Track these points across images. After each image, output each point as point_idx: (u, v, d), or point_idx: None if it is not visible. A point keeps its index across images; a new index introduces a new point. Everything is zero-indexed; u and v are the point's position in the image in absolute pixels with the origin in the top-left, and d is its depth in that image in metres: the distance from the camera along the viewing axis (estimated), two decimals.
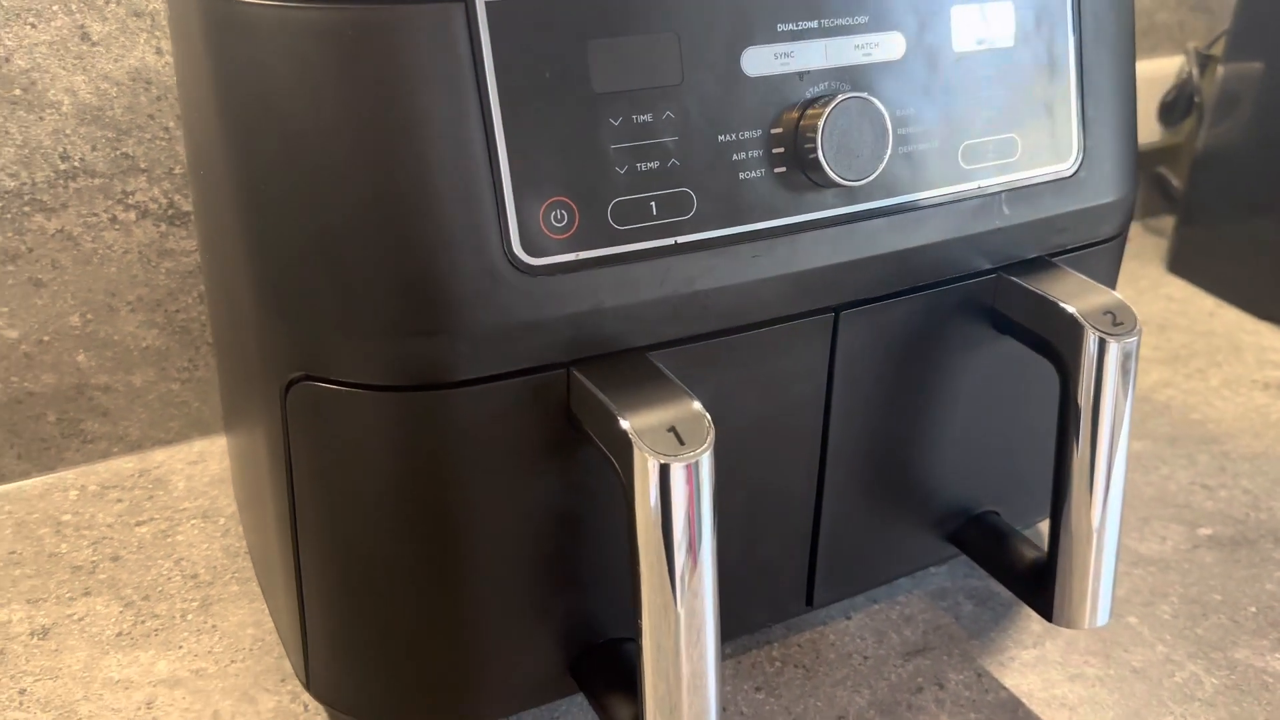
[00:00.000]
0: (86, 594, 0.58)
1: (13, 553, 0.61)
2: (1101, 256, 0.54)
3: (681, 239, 0.41)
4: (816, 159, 0.42)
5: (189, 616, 0.57)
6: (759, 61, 0.42)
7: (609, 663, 0.47)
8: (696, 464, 0.38)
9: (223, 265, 0.45)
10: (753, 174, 0.42)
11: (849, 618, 0.58)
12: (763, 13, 0.41)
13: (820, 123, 0.42)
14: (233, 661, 0.54)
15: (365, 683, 0.46)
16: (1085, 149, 0.50)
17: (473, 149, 0.37)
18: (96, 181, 0.62)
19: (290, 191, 0.38)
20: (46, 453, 0.67)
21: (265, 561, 0.52)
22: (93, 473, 0.68)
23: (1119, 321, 0.47)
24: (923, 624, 0.58)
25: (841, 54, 0.43)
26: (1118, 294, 0.48)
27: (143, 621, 0.57)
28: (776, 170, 0.42)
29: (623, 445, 0.38)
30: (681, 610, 0.39)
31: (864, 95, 0.42)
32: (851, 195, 0.44)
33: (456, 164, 0.37)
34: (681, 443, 0.38)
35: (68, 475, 0.68)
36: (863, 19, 0.43)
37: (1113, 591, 0.50)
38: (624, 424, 0.38)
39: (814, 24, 0.42)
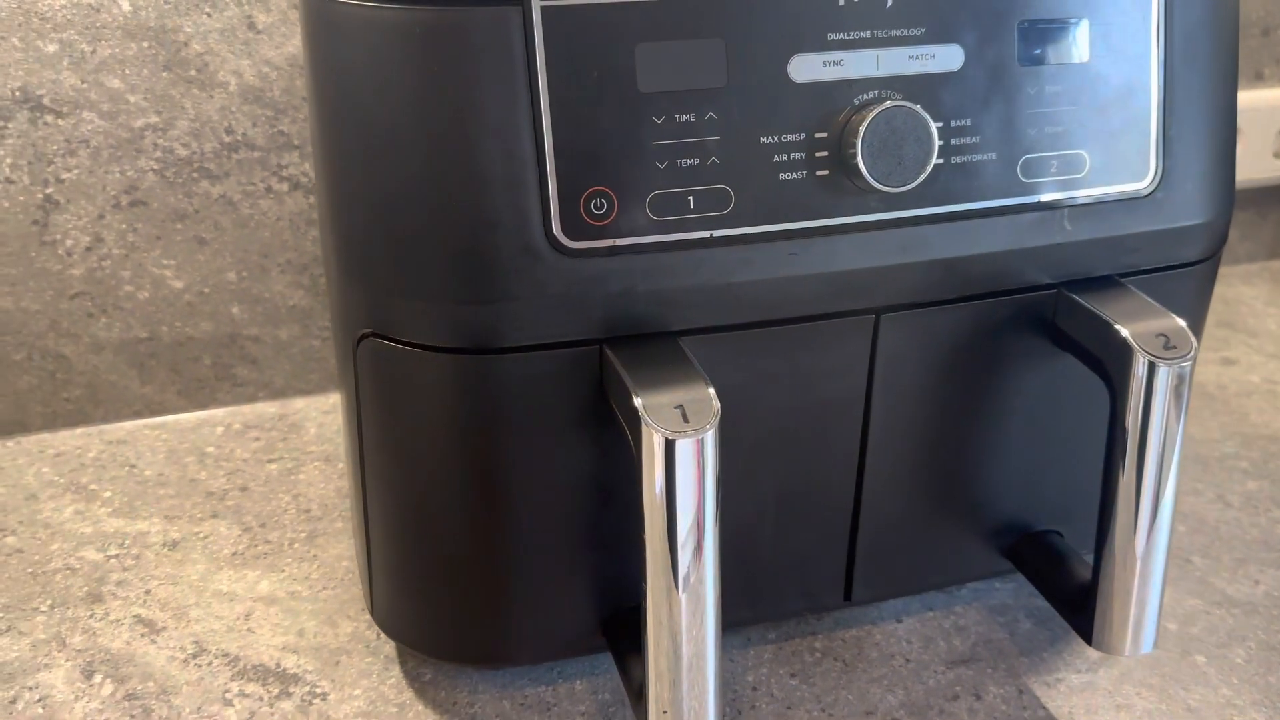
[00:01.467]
0: (214, 516, 0.66)
1: (161, 475, 0.70)
2: (1184, 281, 0.52)
3: (718, 233, 0.44)
4: (856, 165, 0.43)
5: (295, 545, 0.64)
6: (806, 68, 0.43)
7: (636, 626, 0.50)
8: (701, 441, 0.40)
9: (321, 233, 0.51)
10: (794, 175, 0.44)
11: (900, 620, 0.59)
12: (813, 22, 0.43)
13: (861, 129, 0.43)
14: (325, 589, 0.61)
15: (416, 616, 0.51)
16: (1164, 169, 0.49)
17: (521, 139, 0.41)
18: (255, 154, 0.70)
19: (363, 168, 0.43)
20: (201, 391, 0.76)
21: (351, 502, 0.58)
22: (239, 413, 0.76)
23: (1172, 345, 0.46)
24: (975, 635, 0.58)
25: (895, 64, 0.44)
26: (1178, 319, 0.47)
27: (255, 545, 0.64)
28: (819, 173, 0.44)
29: (634, 420, 0.41)
30: (682, 584, 0.42)
31: (907, 104, 0.43)
32: (897, 201, 0.45)
33: (505, 152, 0.41)
34: (686, 421, 0.40)
35: (217, 413, 0.76)
36: (919, 31, 0.44)
37: (1157, 620, 0.49)
38: (636, 400, 0.41)
39: (866, 34, 0.44)
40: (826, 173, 0.44)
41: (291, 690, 0.54)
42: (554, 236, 0.42)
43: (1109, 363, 0.47)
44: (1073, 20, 0.46)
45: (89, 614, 0.59)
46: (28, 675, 0.55)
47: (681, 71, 0.42)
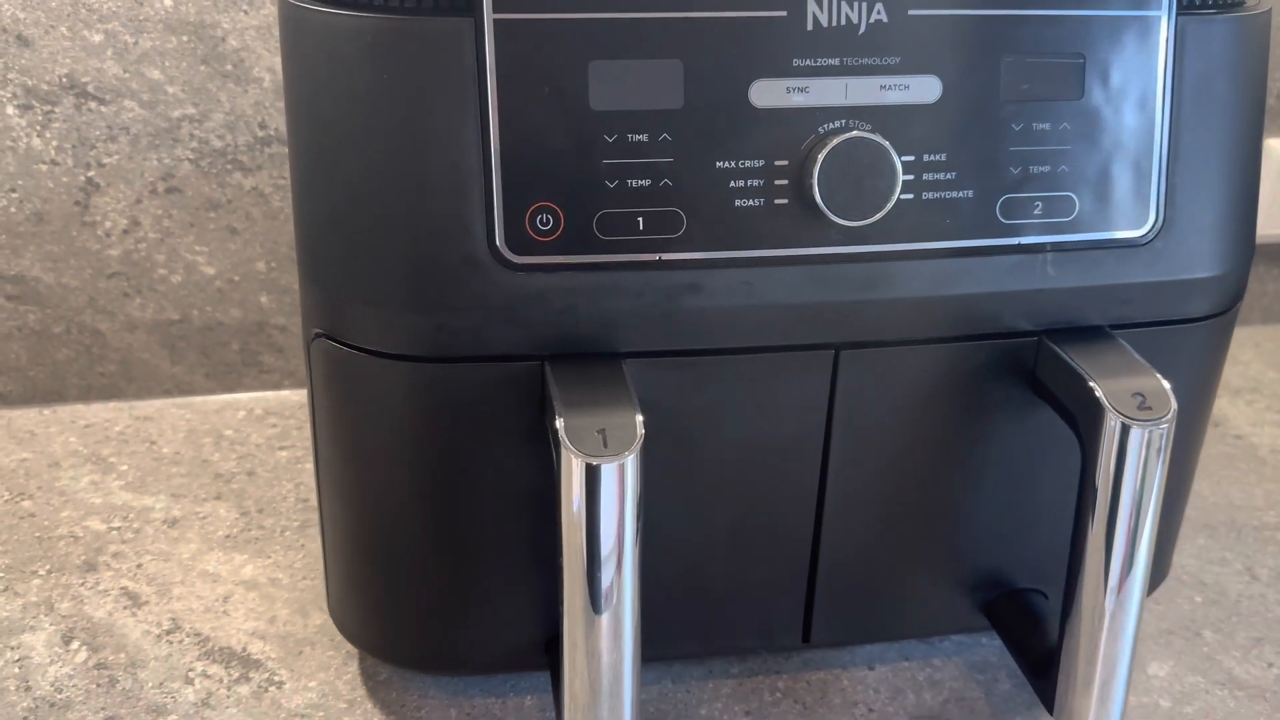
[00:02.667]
0: (217, 498, 0.68)
1: (176, 453, 0.72)
2: (1191, 337, 0.49)
3: (667, 256, 0.43)
4: (813, 196, 0.42)
5: (287, 533, 0.65)
6: (769, 94, 0.42)
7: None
8: (621, 467, 0.40)
9: None
10: (750, 202, 0.43)
11: (871, 668, 0.57)
12: (777, 47, 0.42)
13: (819, 159, 0.42)
14: (305, 578, 0.62)
15: (366, 617, 0.51)
16: (1166, 217, 0.46)
17: (468, 150, 0.41)
18: (286, 149, 0.71)
19: (321, 170, 0.43)
20: (229, 375, 0.78)
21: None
22: (262, 399, 0.79)
23: (1148, 405, 0.43)
24: (948, 691, 0.55)
25: (865, 93, 0.43)
26: (1162, 379, 0.44)
27: (249, 530, 0.66)
28: (778, 201, 0.43)
29: (556, 441, 0.40)
30: (599, 608, 0.41)
31: (869, 134, 0.42)
32: (860, 235, 0.44)
33: (452, 162, 0.41)
34: (606, 446, 0.40)
35: (241, 398, 0.78)
36: (893, 60, 0.43)
37: (1125, 693, 0.46)
38: (558, 421, 0.40)
39: (835, 61, 0.42)
40: (786, 201, 0.43)
41: (251, 676, 0.55)
42: (498, 249, 0.42)
43: (1080, 419, 0.44)
44: (1066, 56, 0.44)
45: (81, 581, 0.61)
46: (13, 635, 0.57)
47: (636, 91, 0.41)
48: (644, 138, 0.42)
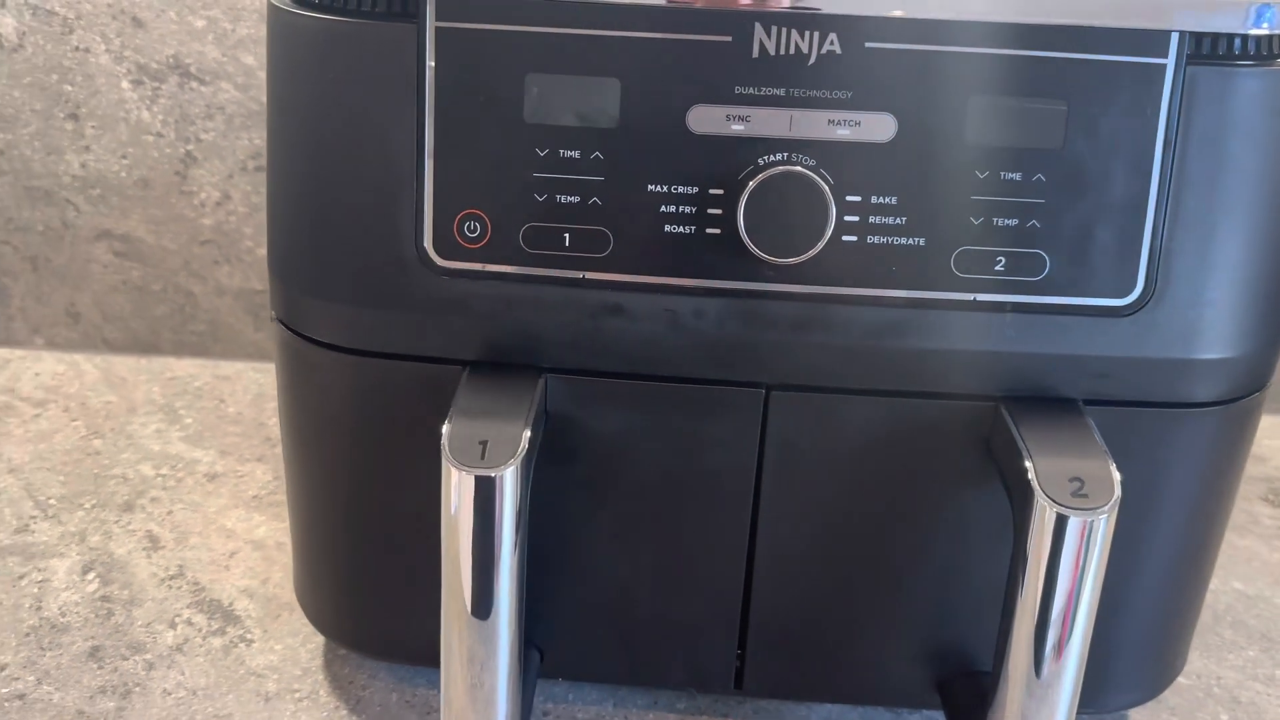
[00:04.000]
0: (259, 460, 0.73)
1: (239, 414, 0.77)
2: (1194, 423, 0.44)
3: (591, 275, 0.42)
4: (737, 229, 0.41)
5: None
6: (707, 121, 0.41)
7: None
8: (499, 479, 0.39)
9: None
10: (681, 229, 0.42)
11: None
12: (719, 72, 0.41)
13: (745, 192, 0.40)
14: None
15: (315, 594, 0.53)
16: (1159, 287, 0.41)
17: (401, 152, 0.42)
18: None
19: (280, 161, 0.45)
20: None
21: None
22: None
23: (1084, 493, 0.39)
24: None
25: (811, 127, 0.41)
26: (1111, 464, 0.40)
27: (276, 494, 0.69)
28: (709, 231, 0.42)
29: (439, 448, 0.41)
30: (478, 617, 0.41)
31: (800, 169, 0.40)
32: (795, 274, 0.42)
33: (388, 164, 0.42)
34: (483, 458, 0.39)
35: None
36: (844, 94, 0.41)
37: None
38: (444, 428, 0.41)
39: (781, 91, 0.41)
40: (718, 231, 0.42)
41: (227, 630, 0.58)
42: (425, 252, 0.43)
43: (1014, 499, 0.41)
44: (1045, 101, 0.40)
45: (116, 519, 0.66)
46: (42, 559, 0.63)
47: (570, 107, 0.41)
48: (576, 154, 0.42)
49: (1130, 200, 0.41)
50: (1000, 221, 0.41)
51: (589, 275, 0.42)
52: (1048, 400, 0.43)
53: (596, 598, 0.49)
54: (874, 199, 0.41)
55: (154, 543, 0.65)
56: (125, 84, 0.74)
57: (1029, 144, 0.41)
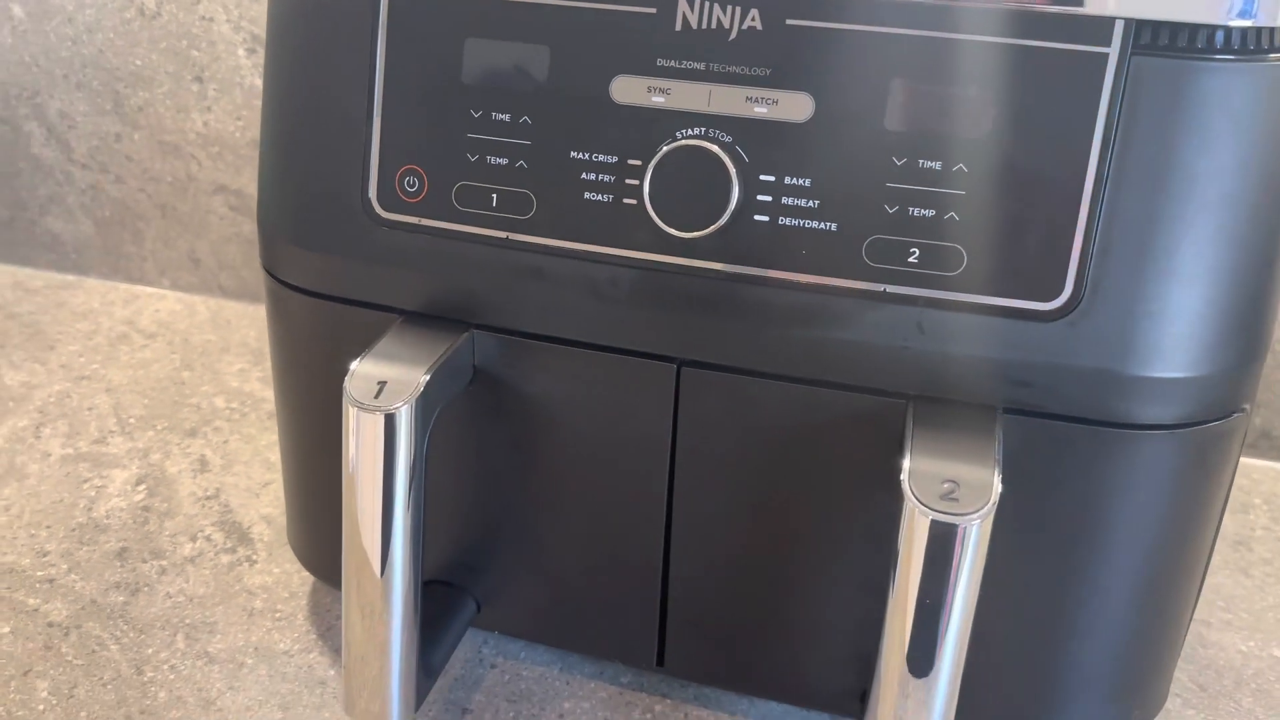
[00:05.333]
0: None
1: None
2: (1151, 446, 0.40)
3: (515, 237, 0.44)
4: (643, 200, 0.41)
5: None
6: (630, 91, 0.41)
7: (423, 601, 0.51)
8: (391, 418, 0.41)
9: None
10: (599, 197, 0.42)
11: None
12: (643, 44, 0.41)
13: (652, 163, 0.40)
14: None
15: (300, 530, 0.57)
16: (1091, 292, 0.39)
17: (354, 108, 0.45)
18: None
19: (263, 116, 0.49)
20: None
21: None
22: None
23: (954, 497, 0.37)
24: None
25: (729, 103, 0.41)
26: (996, 471, 0.37)
27: None
28: (626, 201, 0.42)
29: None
30: (373, 559, 0.43)
31: (705, 144, 0.40)
32: (705, 250, 0.41)
33: (343, 117, 0.45)
34: (377, 397, 0.42)
35: None
36: (763, 71, 0.40)
37: None
38: (350, 367, 0.43)
39: (701, 66, 0.41)
40: (634, 203, 0.42)
41: (237, 550, 0.63)
42: (370, 203, 0.45)
43: (892, 498, 0.39)
44: (971, 84, 0.38)
45: (179, 442, 0.73)
46: (107, 468, 0.70)
47: (504, 71, 0.43)
48: (506, 117, 0.43)
49: (1061, 199, 0.38)
50: (916, 211, 0.40)
51: (513, 237, 0.44)
52: (962, 405, 0.41)
53: (527, 558, 0.50)
54: (787, 179, 0.40)
55: (203, 465, 0.71)
56: (241, 51, 0.81)
57: (951, 132, 0.39)
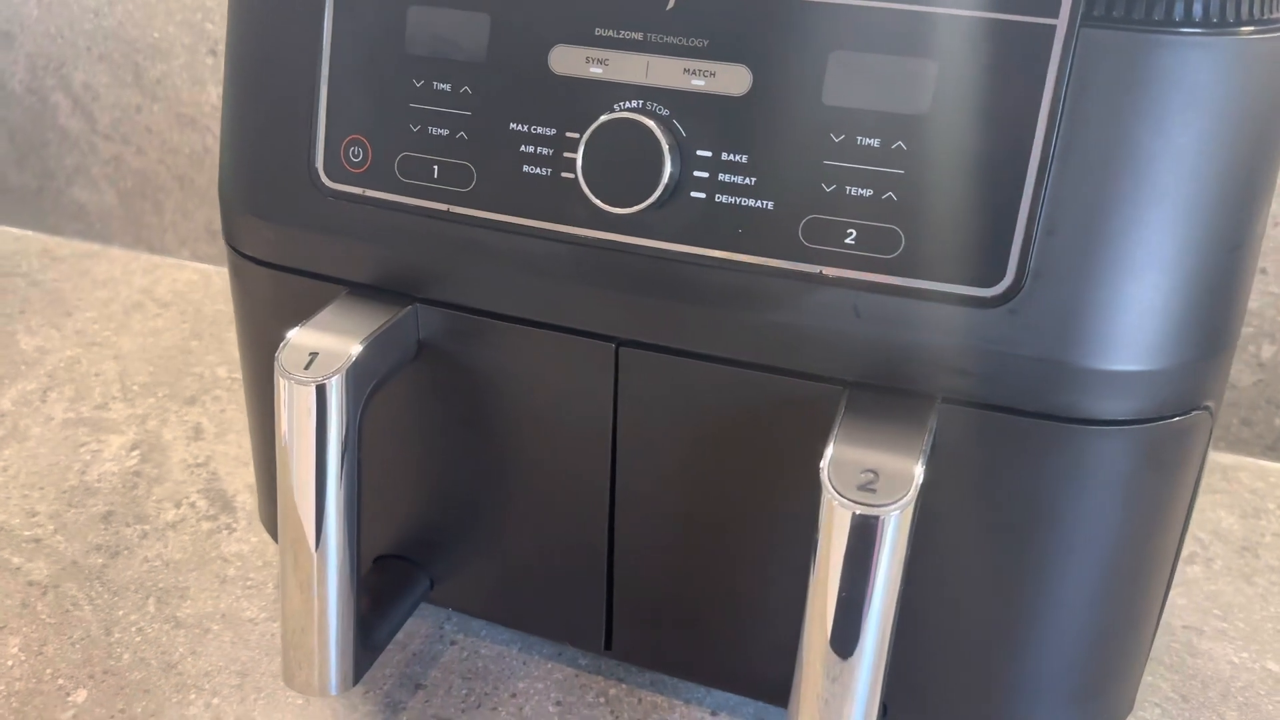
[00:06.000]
0: None
1: None
2: (1082, 442, 0.39)
3: (456, 209, 0.43)
4: (575, 174, 0.40)
5: None
6: (568, 61, 0.40)
7: (373, 577, 0.51)
8: (321, 389, 0.41)
9: None
10: (538, 171, 0.42)
11: (715, 714, 0.52)
12: (581, 13, 0.40)
13: (585, 136, 0.39)
14: None
15: (262, 499, 0.57)
16: (1035, 279, 0.37)
17: (303, 79, 0.44)
18: None
19: (224, 88, 0.49)
20: None
21: None
22: None
23: (872, 487, 0.35)
24: None
25: (666, 75, 0.39)
26: (919, 461, 0.36)
27: None
28: (563, 175, 0.41)
29: None
30: (309, 533, 0.43)
31: (637, 116, 0.39)
32: (642, 227, 0.40)
33: (292, 87, 0.45)
34: (306, 369, 0.41)
35: None
36: (701, 42, 0.39)
37: None
38: (286, 337, 0.43)
39: (639, 36, 0.39)
40: (571, 177, 0.41)
41: (219, 518, 0.64)
42: (316, 173, 0.45)
43: (817, 489, 0.37)
44: (909, 61, 0.37)
45: (177, 409, 0.74)
46: (105, 433, 0.71)
47: (445, 40, 0.42)
48: (447, 87, 0.42)
49: (1004, 180, 0.36)
50: (853, 190, 0.38)
51: (453, 209, 0.43)
52: (899, 393, 0.39)
53: (477, 536, 0.50)
54: (724, 155, 0.39)
55: (197, 433, 0.72)
56: None
57: (890, 108, 0.37)
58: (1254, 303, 0.67)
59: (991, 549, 0.41)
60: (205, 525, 0.63)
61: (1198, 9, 0.35)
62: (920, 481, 0.35)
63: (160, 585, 0.59)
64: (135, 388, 0.76)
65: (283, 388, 0.42)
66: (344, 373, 0.41)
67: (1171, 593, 0.60)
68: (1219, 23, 0.35)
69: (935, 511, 0.41)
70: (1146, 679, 0.55)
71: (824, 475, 0.36)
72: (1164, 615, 0.58)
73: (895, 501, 0.35)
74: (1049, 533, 0.41)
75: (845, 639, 0.37)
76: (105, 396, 0.75)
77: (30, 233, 0.99)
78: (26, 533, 0.62)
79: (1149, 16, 0.35)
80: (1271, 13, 0.36)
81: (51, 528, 0.63)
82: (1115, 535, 0.41)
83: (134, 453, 0.69)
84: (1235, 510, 0.67)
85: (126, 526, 0.63)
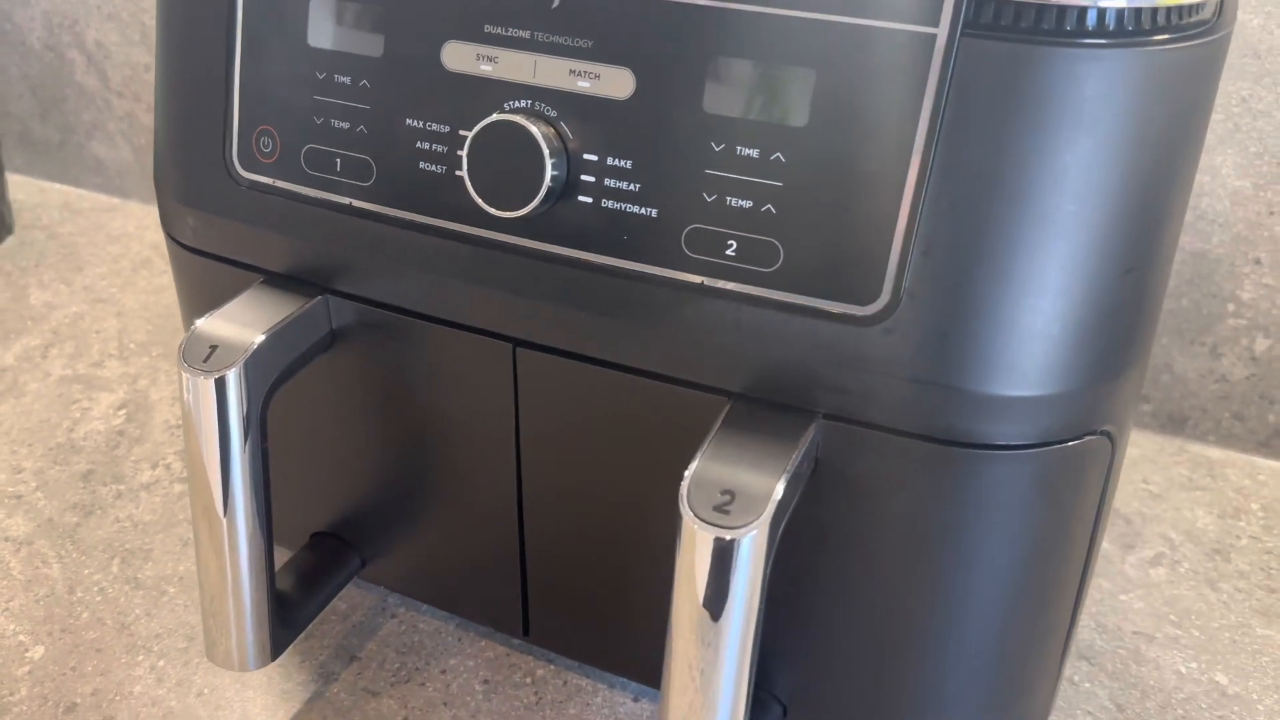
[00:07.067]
0: None
1: None
2: (970, 465, 0.37)
3: (357, 203, 0.43)
4: (460, 175, 0.39)
5: None
6: (460, 58, 0.40)
7: (306, 554, 0.53)
8: (219, 381, 0.42)
9: None
10: (433, 168, 0.41)
11: (637, 700, 0.52)
12: (470, 9, 0.39)
13: (469, 138, 0.39)
14: None
15: None
16: (910, 298, 0.35)
17: (218, 70, 0.44)
18: None
19: (156, 71, 0.49)
20: None
21: None
22: None
23: (726, 509, 0.35)
24: None
25: (553, 75, 0.38)
26: (781, 480, 0.35)
27: None
28: (457, 173, 0.41)
29: None
30: (219, 511, 0.44)
31: (517, 119, 0.38)
32: (531, 229, 0.40)
33: (210, 77, 0.45)
34: (206, 361, 0.42)
35: None
36: (585, 43, 0.38)
37: None
38: (193, 324, 0.43)
39: (526, 34, 0.39)
40: (463, 175, 0.41)
41: None
42: (231, 163, 0.45)
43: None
44: (791, 69, 0.35)
45: (167, 369, 0.76)
46: (95, 391, 0.74)
47: (344, 34, 0.42)
48: (348, 80, 0.42)
49: (881, 195, 0.35)
50: (733, 202, 0.37)
51: (355, 203, 0.43)
52: (781, 407, 0.38)
53: (401, 518, 0.51)
54: (609, 160, 0.38)
55: None
56: None
57: (769, 118, 0.36)
58: (1248, 295, 0.64)
59: (885, 565, 0.41)
60: (177, 488, 0.65)
61: (1091, 18, 0.33)
62: (778, 500, 0.35)
63: (127, 546, 0.61)
64: (132, 346, 0.79)
65: (184, 380, 0.43)
66: (242, 365, 0.42)
67: (1128, 596, 0.59)
68: (1114, 33, 0.33)
69: (826, 526, 0.40)
70: (1084, 686, 0.53)
71: (681, 494, 0.36)
72: (1114, 620, 0.57)
73: (746, 525, 0.34)
74: (940, 552, 0.40)
75: (708, 647, 0.37)
76: (103, 354, 0.78)
77: (55, 185, 1.02)
78: (10, 489, 0.65)
79: (1037, 26, 0.33)
80: (1157, 23, 0.33)
81: (34, 484, 0.66)
82: (1009, 556, 0.40)
83: (121, 411, 0.72)
84: (1214, 509, 0.64)
85: (103, 486, 0.66)
